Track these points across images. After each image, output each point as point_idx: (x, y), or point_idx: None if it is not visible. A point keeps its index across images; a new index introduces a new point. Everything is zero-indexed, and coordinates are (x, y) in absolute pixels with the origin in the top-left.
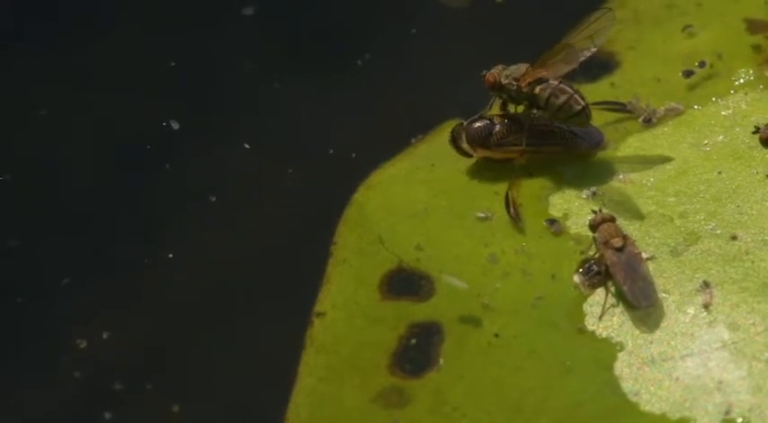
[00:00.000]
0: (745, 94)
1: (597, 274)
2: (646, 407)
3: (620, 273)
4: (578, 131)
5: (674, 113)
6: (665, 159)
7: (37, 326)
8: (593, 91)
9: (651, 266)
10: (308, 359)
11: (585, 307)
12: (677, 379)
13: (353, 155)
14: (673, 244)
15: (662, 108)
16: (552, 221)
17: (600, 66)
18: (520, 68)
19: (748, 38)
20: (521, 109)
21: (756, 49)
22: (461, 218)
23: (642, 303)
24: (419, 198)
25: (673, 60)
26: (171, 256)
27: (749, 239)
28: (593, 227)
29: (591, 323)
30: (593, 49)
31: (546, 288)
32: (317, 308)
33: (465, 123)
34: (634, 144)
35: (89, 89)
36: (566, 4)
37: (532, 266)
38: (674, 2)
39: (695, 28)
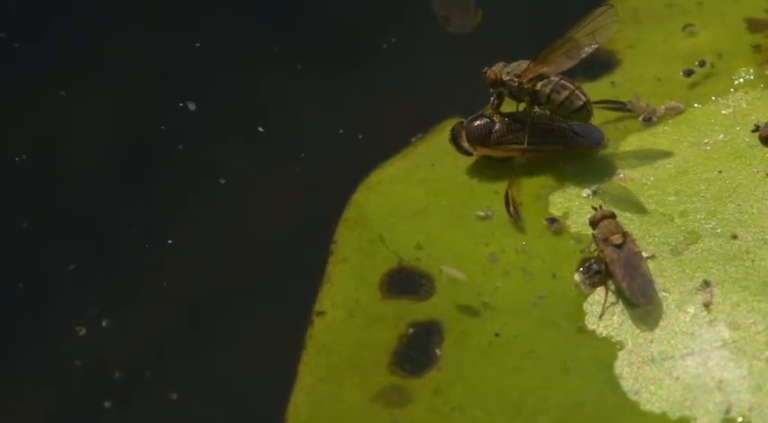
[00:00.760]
0: (746, 92)
1: (597, 273)
2: (646, 406)
3: (619, 270)
4: (579, 130)
5: (674, 112)
6: (666, 158)
7: (37, 314)
8: (594, 90)
9: (651, 265)
10: (308, 358)
11: (586, 306)
12: (677, 378)
13: (353, 154)
14: (673, 243)
15: (662, 107)
16: (552, 220)
17: (600, 64)
18: (521, 65)
19: (749, 37)
20: (521, 106)
21: (757, 48)
22: (461, 217)
23: (641, 301)
24: (419, 197)
25: (673, 59)
26: (171, 255)
27: (749, 238)
28: (593, 223)
29: (591, 322)
30: (595, 46)
31: (546, 287)
32: (318, 307)
33: (465, 122)
34: (634, 143)
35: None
36: (566, 4)
37: (533, 265)
38: (674, 1)
39: (696, 27)
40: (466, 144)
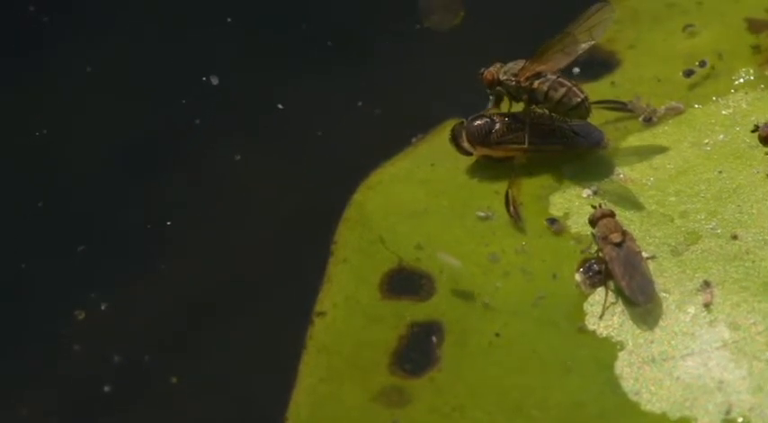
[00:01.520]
0: (746, 93)
1: (598, 274)
2: (646, 406)
3: (618, 268)
4: (578, 130)
5: (674, 112)
6: (666, 158)
7: (37, 296)
8: (594, 90)
9: (652, 266)
10: (308, 358)
11: (586, 306)
12: (678, 378)
13: (354, 154)
14: (673, 243)
15: (662, 107)
16: (553, 220)
17: (600, 65)
18: (518, 64)
19: (749, 37)
20: (519, 106)
21: (757, 48)
22: (462, 217)
23: (640, 299)
24: (419, 197)
25: (673, 59)
26: (171, 255)
27: (750, 239)
28: (593, 222)
29: (591, 322)
30: (592, 42)
31: (546, 287)
32: (318, 307)
33: (465, 122)
34: (634, 143)
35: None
36: (565, 3)
37: (533, 266)
38: (674, 1)
39: (696, 27)
40: (466, 144)
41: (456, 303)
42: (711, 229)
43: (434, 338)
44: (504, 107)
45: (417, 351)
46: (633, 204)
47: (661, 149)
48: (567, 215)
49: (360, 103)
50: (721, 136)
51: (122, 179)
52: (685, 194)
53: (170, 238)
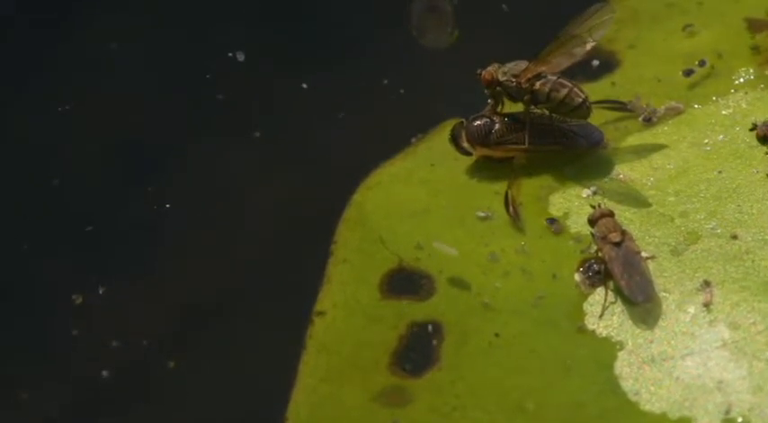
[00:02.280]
0: (746, 93)
1: (597, 273)
2: (646, 406)
3: (617, 268)
4: (578, 130)
5: (674, 112)
6: (666, 158)
7: (37, 281)
8: (594, 90)
9: (652, 266)
10: (308, 358)
11: (586, 306)
12: (677, 378)
13: (353, 155)
14: (673, 243)
15: (662, 107)
16: (552, 221)
17: (600, 65)
18: (518, 65)
19: (748, 37)
20: (518, 106)
21: (756, 48)
22: (461, 217)
23: (639, 298)
24: (419, 198)
25: (673, 59)
26: (171, 255)
27: (749, 239)
28: (592, 222)
29: (591, 322)
30: (593, 43)
31: (546, 287)
32: (318, 307)
33: (465, 122)
34: (634, 143)
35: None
36: (564, 3)
37: (533, 266)
38: (674, 1)
39: (695, 27)
40: (466, 144)
41: (456, 303)
42: (711, 228)
43: (434, 338)
44: (503, 108)
45: (417, 351)
46: (633, 204)
47: (661, 149)
48: (566, 215)
49: (360, 103)
50: (721, 136)
51: (121, 177)
52: (685, 194)
53: (170, 237)
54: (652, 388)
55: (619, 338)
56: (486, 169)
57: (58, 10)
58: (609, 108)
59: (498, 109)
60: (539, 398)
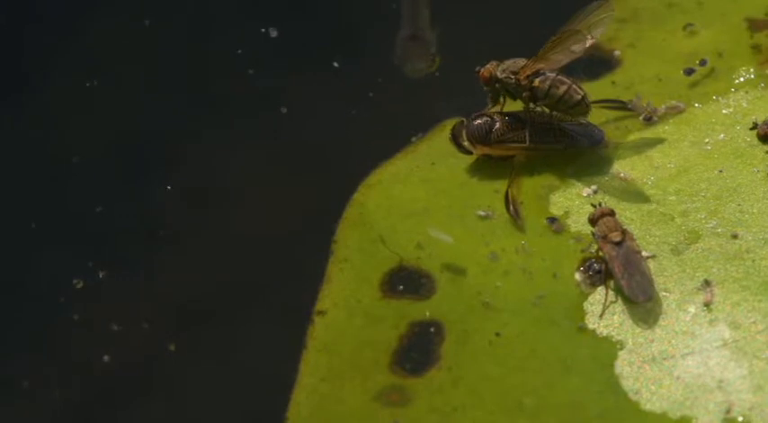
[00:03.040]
0: (746, 92)
1: (598, 273)
2: (646, 405)
3: (618, 267)
4: (579, 129)
5: (674, 112)
6: (666, 158)
7: (36, 266)
8: (595, 89)
9: (652, 265)
10: (308, 358)
11: (586, 305)
12: (678, 378)
13: (354, 154)
14: (674, 242)
15: (663, 106)
16: (553, 220)
17: (601, 64)
18: (517, 62)
19: (749, 37)
20: (518, 104)
21: (757, 47)
22: (462, 216)
23: (639, 298)
24: (419, 197)
25: (674, 59)
26: (171, 255)
27: (750, 238)
28: (593, 221)
29: (591, 322)
30: (592, 40)
31: (547, 286)
32: (318, 306)
33: (465, 121)
34: (635, 142)
35: None
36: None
37: (533, 265)
38: (674, 0)
39: (696, 26)
40: (466, 143)
41: (456, 303)
42: (712, 228)
43: (435, 338)
44: (504, 108)
45: (418, 350)
46: (633, 203)
47: (661, 148)
48: (567, 214)
49: (360, 103)
50: (722, 135)
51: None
52: (686, 193)
53: (170, 236)
54: (653, 387)
55: (619, 338)
56: (487, 168)
57: None
58: (609, 107)
59: (498, 106)
60: (539, 397)
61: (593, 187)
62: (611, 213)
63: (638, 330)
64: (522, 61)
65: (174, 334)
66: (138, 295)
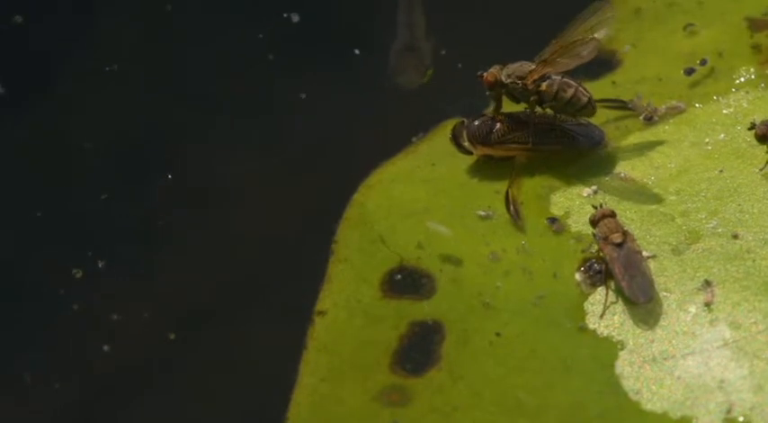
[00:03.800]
0: (747, 92)
1: (598, 273)
2: (647, 405)
3: (618, 268)
4: (579, 129)
5: (675, 112)
6: (667, 158)
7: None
8: (595, 89)
9: (652, 265)
10: (308, 358)
11: (587, 305)
12: (678, 378)
13: (354, 154)
14: (674, 243)
15: (663, 106)
16: (553, 220)
17: (601, 64)
18: (522, 67)
19: (749, 36)
20: (519, 106)
21: (757, 47)
22: (462, 217)
23: (640, 299)
24: (420, 197)
25: (674, 59)
26: (171, 255)
27: (750, 238)
28: (594, 222)
29: (592, 322)
30: (598, 44)
31: (547, 287)
32: (318, 306)
33: (466, 121)
34: (635, 142)
35: None
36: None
37: (533, 265)
38: (675, 0)
39: (696, 26)
40: (466, 143)
41: (457, 303)
42: (712, 228)
43: (435, 338)
44: (505, 108)
45: (418, 350)
46: (634, 203)
47: (662, 148)
48: (567, 214)
49: (360, 103)
50: (722, 135)
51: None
52: (686, 194)
53: (170, 236)
54: (653, 387)
55: (620, 338)
56: (487, 168)
57: None
58: (610, 107)
59: (498, 110)
60: (539, 397)
61: (594, 187)
62: (612, 215)
63: (638, 330)
64: (527, 65)
65: (173, 334)
66: (137, 295)
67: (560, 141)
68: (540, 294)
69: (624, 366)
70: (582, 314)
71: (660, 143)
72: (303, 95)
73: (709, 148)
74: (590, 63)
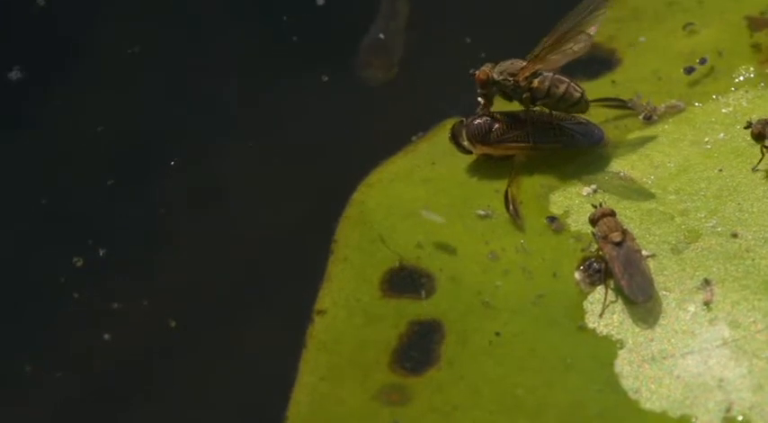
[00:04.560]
0: (746, 91)
1: (598, 272)
2: (646, 405)
3: (618, 267)
4: (579, 128)
5: (674, 111)
6: (666, 157)
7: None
8: (594, 88)
9: (652, 264)
10: (308, 357)
11: (586, 304)
12: (678, 377)
13: (354, 153)
14: (673, 242)
15: (662, 105)
16: (553, 219)
17: (601, 63)
18: (513, 64)
19: (749, 35)
20: (514, 105)
21: (757, 46)
22: (462, 216)
23: (639, 298)
24: (419, 196)
25: (674, 58)
26: (170, 255)
27: (750, 237)
28: (593, 221)
29: (591, 321)
30: (591, 40)
31: (546, 286)
32: (318, 306)
33: (465, 120)
34: (635, 141)
35: None
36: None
37: (533, 264)
38: None
39: (696, 25)
40: (466, 143)
41: (456, 302)
42: (712, 227)
43: (435, 337)
44: (495, 107)
45: (418, 350)
46: (633, 202)
47: (661, 147)
48: (566, 213)
49: (360, 102)
50: (721, 134)
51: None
52: (685, 193)
53: (170, 235)
54: (652, 386)
55: (619, 337)
56: (487, 168)
57: None
58: (609, 106)
59: (489, 108)
60: (539, 396)
61: (593, 186)
62: (612, 214)
63: (637, 329)
64: (518, 62)
65: (173, 333)
66: (137, 295)
67: (559, 140)
68: (540, 293)
69: (623, 365)
70: (581, 313)
71: (660, 142)
72: (303, 95)
73: (709, 147)
74: (589, 62)
